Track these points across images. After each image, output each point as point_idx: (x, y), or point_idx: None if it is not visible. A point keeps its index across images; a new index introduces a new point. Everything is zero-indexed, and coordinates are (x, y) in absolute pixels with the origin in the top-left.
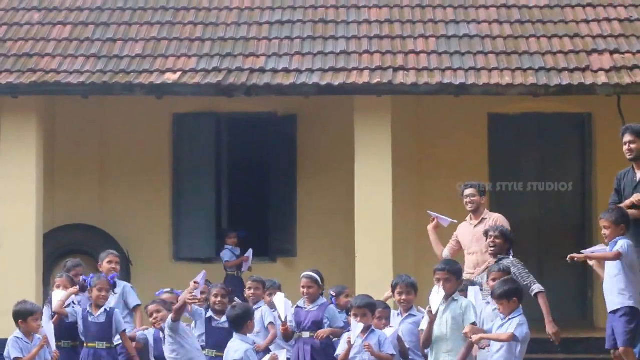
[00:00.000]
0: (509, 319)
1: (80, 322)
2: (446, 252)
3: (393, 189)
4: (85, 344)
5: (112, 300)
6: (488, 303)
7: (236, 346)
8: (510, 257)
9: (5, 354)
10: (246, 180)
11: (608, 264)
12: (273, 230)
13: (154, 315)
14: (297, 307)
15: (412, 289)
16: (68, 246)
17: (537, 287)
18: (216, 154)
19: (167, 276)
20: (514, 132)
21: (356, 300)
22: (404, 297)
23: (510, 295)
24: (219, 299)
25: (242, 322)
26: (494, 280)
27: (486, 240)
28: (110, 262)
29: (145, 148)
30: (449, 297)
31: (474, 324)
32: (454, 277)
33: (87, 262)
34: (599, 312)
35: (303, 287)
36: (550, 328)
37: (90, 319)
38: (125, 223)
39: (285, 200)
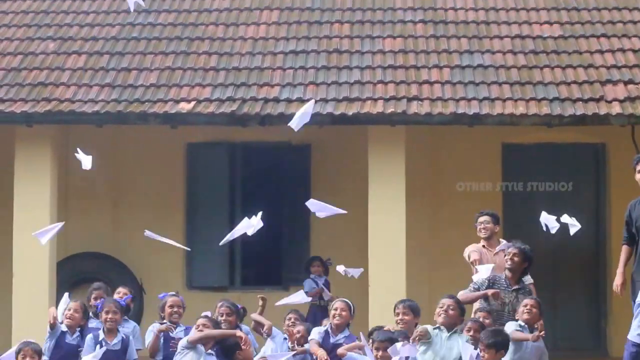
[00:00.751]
0: None
1: (91, 349)
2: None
3: (407, 218)
4: None
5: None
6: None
7: None
8: (528, 281)
9: None
10: (259, 209)
11: None
12: (286, 258)
13: (175, 309)
14: (326, 332)
15: (410, 310)
16: (81, 274)
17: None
18: (230, 183)
19: None
20: (528, 162)
21: (378, 335)
22: (400, 317)
23: (499, 346)
24: (223, 317)
25: (231, 351)
26: (525, 306)
27: (504, 256)
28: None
29: (159, 177)
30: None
31: None
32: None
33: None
34: (612, 341)
35: (336, 309)
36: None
37: (105, 346)
38: (139, 251)
39: (299, 228)
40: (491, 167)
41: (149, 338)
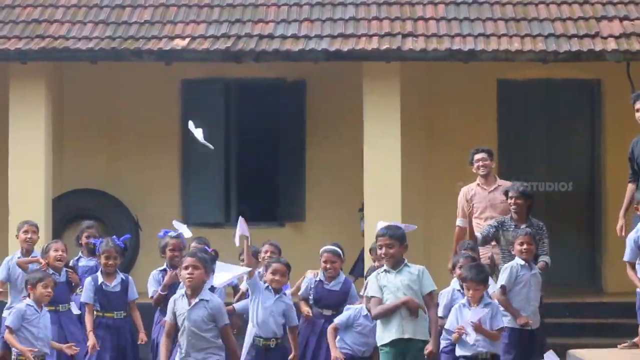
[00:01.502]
0: (486, 304)
1: (90, 293)
2: (463, 221)
3: (401, 155)
4: (102, 314)
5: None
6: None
7: None
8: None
9: (6, 321)
10: (255, 145)
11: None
12: (282, 195)
13: (176, 252)
14: (319, 282)
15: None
16: (77, 211)
17: (547, 259)
18: (225, 120)
19: None
20: (523, 99)
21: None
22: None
23: (487, 281)
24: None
25: None
26: (521, 244)
27: (507, 200)
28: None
29: (154, 114)
30: (397, 264)
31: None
32: (397, 242)
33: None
34: (607, 277)
35: (325, 262)
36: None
37: (105, 288)
38: (135, 188)
39: (294, 165)
40: (486, 103)
41: (152, 287)
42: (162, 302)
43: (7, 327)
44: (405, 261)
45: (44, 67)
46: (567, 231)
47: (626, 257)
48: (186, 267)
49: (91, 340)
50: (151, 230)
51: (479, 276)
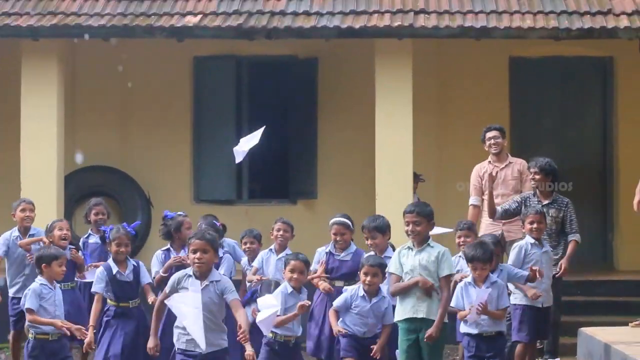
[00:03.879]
0: (492, 283)
1: (102, 283)
2: (477, 200)
3: (414, 132)
4: (116, 304)
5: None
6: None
7: None
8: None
9: (22, 303)
10: (266, 123)
11: None
12: (293, 172)
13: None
14: (329, 253)
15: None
16: (89, 188)
17: (577, 237)
18: (237, 97)
19: None
20: (535, 76)
21: (368, 260)
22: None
23: (492, 260)
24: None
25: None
26: (531, 223)
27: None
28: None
29: (166, 91)
30: (422, 242)
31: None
32: (424, 219)
33: (109, 204)
34: (619, 254)
35: (335, 234)
36: (565, 264)
37: (119, 277)
38: (146, 165)
39: (306, 142)
40: (498, 81)
41: (154, 267)
42: (164, 283)
43: (28, 309)
44: (430, 240)
45: (56, 44)
46: (579, 209)
47: None
48: (194, 251)
49: (89, 336)
50: (163, 207)
51: (484, 255)
